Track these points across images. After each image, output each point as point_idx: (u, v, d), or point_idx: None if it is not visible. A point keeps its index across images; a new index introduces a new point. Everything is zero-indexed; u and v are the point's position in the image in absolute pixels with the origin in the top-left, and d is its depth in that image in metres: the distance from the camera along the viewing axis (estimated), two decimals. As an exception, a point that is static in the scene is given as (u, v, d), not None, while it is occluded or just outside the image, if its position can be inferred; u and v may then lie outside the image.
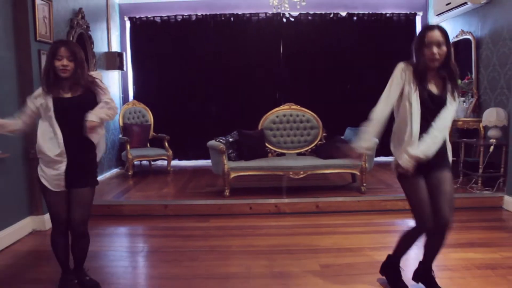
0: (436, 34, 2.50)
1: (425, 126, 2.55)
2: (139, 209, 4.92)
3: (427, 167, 2.61)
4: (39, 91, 2.76)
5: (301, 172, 5.13)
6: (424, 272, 2.86)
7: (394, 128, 2.72)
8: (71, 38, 5.31)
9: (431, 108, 2.56)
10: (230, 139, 5.44)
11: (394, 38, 7.31)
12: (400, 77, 2.60)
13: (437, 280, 2.84)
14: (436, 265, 3.57)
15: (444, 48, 2.51)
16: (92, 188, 2.90)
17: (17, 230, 4.09)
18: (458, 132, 6.19)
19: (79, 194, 2.81)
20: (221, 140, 5.32)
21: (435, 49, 2.48)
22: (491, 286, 2.94)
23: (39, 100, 2.73)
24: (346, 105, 7.49)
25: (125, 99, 7.67)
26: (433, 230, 2.64)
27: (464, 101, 5.90)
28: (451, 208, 2.61)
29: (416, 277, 2.91)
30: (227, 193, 5.16)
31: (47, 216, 4.36)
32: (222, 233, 4.25)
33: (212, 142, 5.27)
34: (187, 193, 5.51)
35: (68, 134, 2.71)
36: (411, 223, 2.75)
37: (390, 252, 2.96)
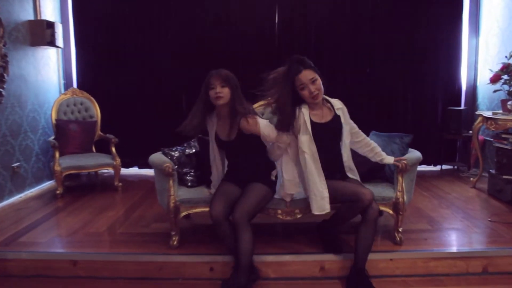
0: (307, 73, 2.65)
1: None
2: (34, 266, 3.06)
3: None
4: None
5: (296, 211, 3.10)
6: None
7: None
8: None
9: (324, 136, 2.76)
10: (188, 151, 3.50)
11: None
12: None
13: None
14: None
15: (319, 81, 2.68)
16: None
17: None
18: None
19: None
20: (171, 152, 3.38)
21: (312, 87, 2.65)
22: None
23: None
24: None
25: (68, 87, 5.71)
26: None
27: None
28: None
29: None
30: (175, 242, 3.17)
31: None
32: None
33: (155, 156, 3.31)
34: (120, 234, 3.55)
35: None
36: None
37: None
